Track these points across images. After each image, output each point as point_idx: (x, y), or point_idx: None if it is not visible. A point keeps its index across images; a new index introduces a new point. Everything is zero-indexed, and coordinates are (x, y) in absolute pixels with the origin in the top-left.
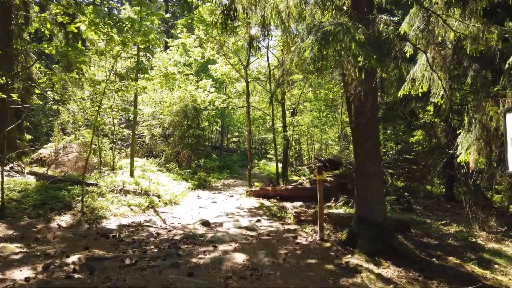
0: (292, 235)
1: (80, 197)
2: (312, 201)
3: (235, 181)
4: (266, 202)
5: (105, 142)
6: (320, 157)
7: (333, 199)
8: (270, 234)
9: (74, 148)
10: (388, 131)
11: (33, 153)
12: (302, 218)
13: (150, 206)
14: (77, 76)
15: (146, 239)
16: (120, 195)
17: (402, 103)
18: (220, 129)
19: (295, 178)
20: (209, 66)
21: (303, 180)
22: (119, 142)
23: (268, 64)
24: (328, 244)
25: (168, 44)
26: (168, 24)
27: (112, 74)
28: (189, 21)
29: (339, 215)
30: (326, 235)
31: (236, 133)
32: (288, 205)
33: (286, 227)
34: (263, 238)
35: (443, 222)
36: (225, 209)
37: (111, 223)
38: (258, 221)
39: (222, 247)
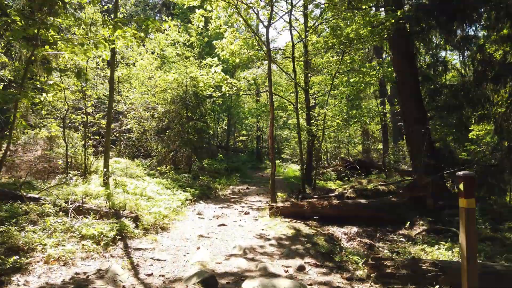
0: None
1: None
2: (373, 225)
3: (247, 188)
4: (302, 227)
5: (76, 138)
6: (347, 158)
7: (408, 223)
8: None
9: (40, 145)
10: (437, 126)
11: None
12: (389, 270)
13: (118, 237)
14: None
15: None
16: (71, 218)
17: (475, 83)
18: (226, 127)
19: (330, 185)
20: (214, 42)
21: (345, 189)
22: (97, 137)
23: (292, 40)
24: None
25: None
26: (169, 11)
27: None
28: None
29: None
30: None
31: (244, 132)
32: (337, 231)
33: None
34: None
35: None
36: (240, 240)
37: (29, 283)
38: (300, 269)
39: None
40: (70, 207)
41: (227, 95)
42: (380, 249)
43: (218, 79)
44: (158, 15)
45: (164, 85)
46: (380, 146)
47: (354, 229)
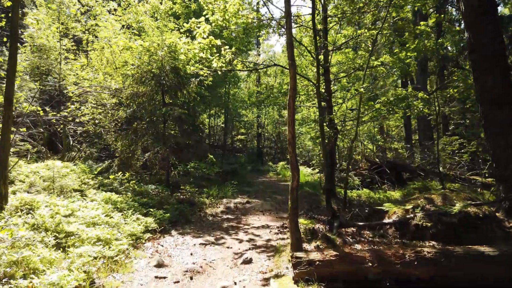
0: None
1: None
2: None
3: (247, 202)
4: None
5: None
6: (373, 159)
7: None
8: None
9: None
10: None
11: None
12: None
13: None
14: None
15: None
16: None
17: None
18: (224, 125)
19: (354, 195)
20: (202, 0)
21: (409, 212)
22: (20, 130)
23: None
24: None
25: None
26: None
27: None
28: None
29: None
30: None
31: (243, 130)
32: None
33: None
34: None
35: None
36: None
37: None
38: None
39: None
40: None
41: (220, 73)
42: None
43: (206, 42)
44: None
45: (128, 56)
46: (395, 144)
47: None
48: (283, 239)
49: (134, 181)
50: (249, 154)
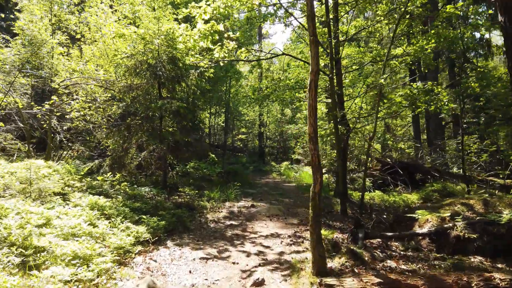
0: None
1: None
2: None
3: (252, 206)
4: None
5: None
6: (384, 159)
7: None
8: None
9: None
10: None
11: None
12: None
13: None
14: None
15: None
16: None
17: None
18: (224, 124)
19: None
20: None
21: (446, 220)
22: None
23: None
24: None
25: None
26: None
27: None
28: None
29: None
30: None
31: (244, 129)
32: None
33: None
34: None
35: None
36: None
37: None
38: None
39: None
40: None
41: (222, 64)
42: None
43: (208, 27)
44: None
45: (122, 46)
46: (401, 144)
47: None
48: (298, 252)
49: (126, 183)
50: (250, 154)
